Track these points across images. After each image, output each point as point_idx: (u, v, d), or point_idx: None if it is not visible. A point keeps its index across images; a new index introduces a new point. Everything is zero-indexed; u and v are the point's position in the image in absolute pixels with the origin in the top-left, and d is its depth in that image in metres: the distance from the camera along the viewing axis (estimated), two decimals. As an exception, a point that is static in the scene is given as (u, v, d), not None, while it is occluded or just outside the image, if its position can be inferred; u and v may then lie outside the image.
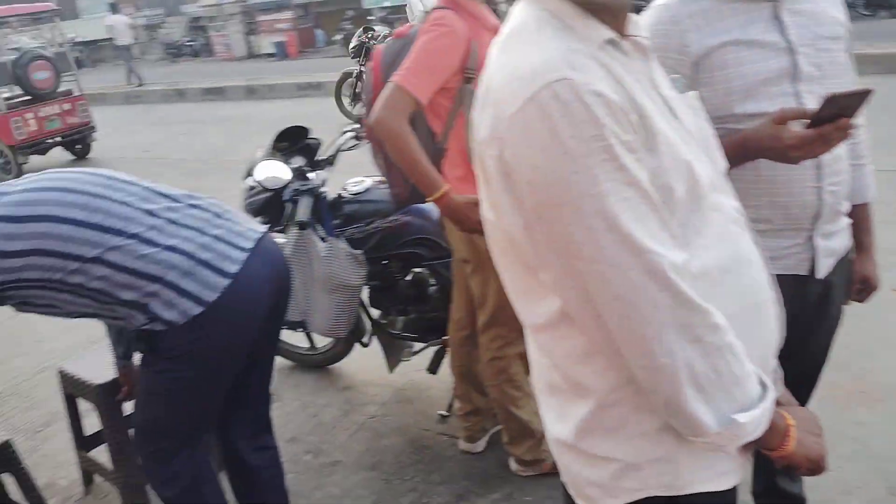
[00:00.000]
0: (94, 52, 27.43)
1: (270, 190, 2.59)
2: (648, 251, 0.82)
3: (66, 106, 8.94)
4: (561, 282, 0.89)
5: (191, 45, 25.30)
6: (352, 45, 8.88)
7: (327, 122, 7.17)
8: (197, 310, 1.68)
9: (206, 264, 1.71)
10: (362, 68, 10.58)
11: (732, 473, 0.98)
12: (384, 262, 2.78)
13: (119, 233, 1.67)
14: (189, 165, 7.75)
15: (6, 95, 8.91)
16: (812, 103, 1.41)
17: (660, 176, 0.86)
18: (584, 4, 0.91)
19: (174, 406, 1.83)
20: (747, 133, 1.38)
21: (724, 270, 0.92)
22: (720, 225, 0.95)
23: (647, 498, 0.96)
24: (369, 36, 8.55)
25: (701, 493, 0.95)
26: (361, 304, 2.82)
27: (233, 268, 1.73)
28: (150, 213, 1.73)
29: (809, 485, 1.93)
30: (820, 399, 1.78)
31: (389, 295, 2.88)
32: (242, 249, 1.78)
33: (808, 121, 1.30)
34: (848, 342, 1.98)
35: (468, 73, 2.02)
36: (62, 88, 9.22)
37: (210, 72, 16.89)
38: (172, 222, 1.74)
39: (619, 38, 0.92)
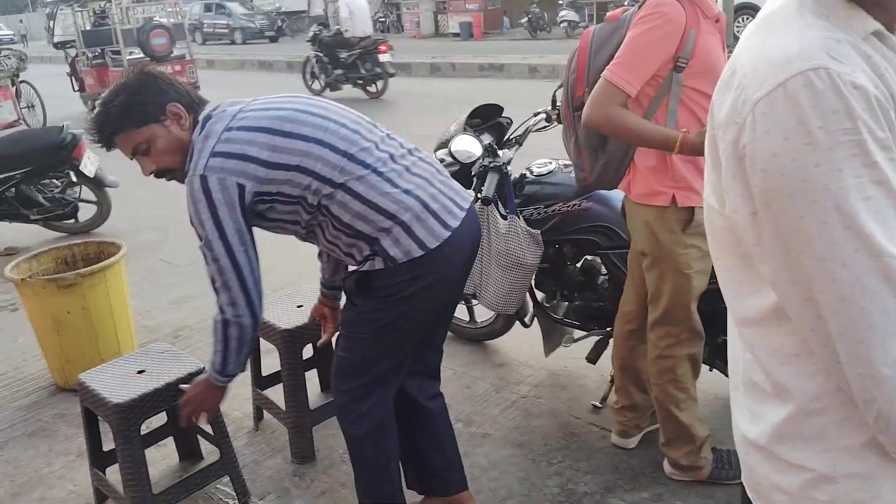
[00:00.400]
0: (294, 22, 29.39)
1: (461, 163, 2.69)
2: (888, 254, 0.78)
3: (177, 67, 11.35)
4: (782, 276, 0.86)
5: (383, 21, 26.45)
6: (308, 38, 10.72)
7: (507, 103, 7.20)
8: (418, 253, 1.81)
9: (434, 214, 1.84)
10: (319, 54, 11.47)
11: None
12: (557, 245, 2.80)
13: (366, 166, 1.82)
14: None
15: (130, 57, 11.35)
16: None
17: None
18: None
19: (378, 346, 1.96)
20: None
21: None
22: None
23: None
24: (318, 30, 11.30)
25: None
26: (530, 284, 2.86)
27: (454, 222, 1.87)
28: (392, 156, 1.88)
29: None
30: None
31: (557, 279, 2.90)
32: (461, 208, 1.92)
33: None
34: None
35: (680, 62, 1.97)
36: (176, 53, 11.74)
37: (397, 47, 17.59)
38: (407, 169, 1.89)
39: (886, 30, 0.88)
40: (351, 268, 1.95)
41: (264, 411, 2.92)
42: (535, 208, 2.74)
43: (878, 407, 0.82)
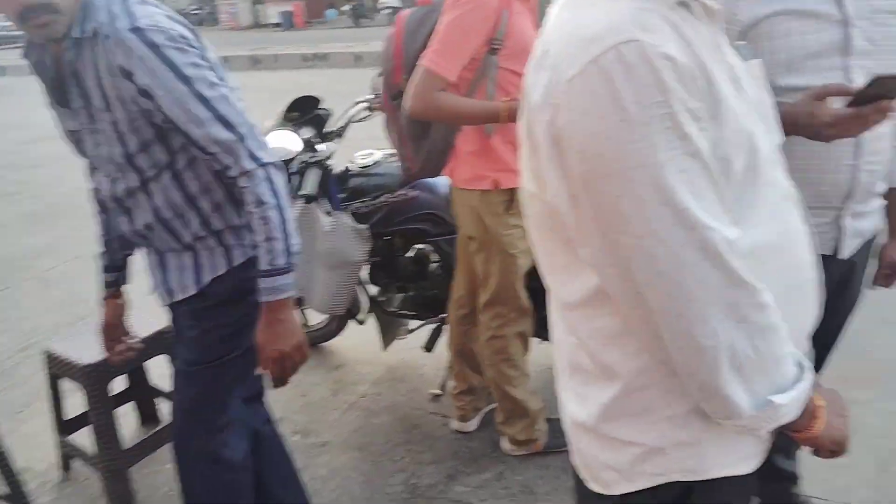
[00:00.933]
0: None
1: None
2: (704, 226, 0.79)
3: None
4: (601, 258, 0.85)
5: (196, 14, 25.09)
6: None
7: (332, 94, 7.06)
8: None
9: None
10: None
11: (755, 457, 0.96)
12: (387, 237, 2.75)
13: None
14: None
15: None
16: (861, 79, 1.36)
17: (720, 146, 0.82)
18: None
19: (246, 358, 1.66)
20: (785, 108, 1.31)
21: (772, 248, 0.89)
22: (773, 201, 0.91)
23: (665, 483, 0.94)
24: None
25: (722, 478, 0.93)
26: (360, 280, 2.79)
27: None
28: None
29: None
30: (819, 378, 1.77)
31: (390, 271, 2.85)
32: None
33: (849, 98, 1.26)
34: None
35: (494, 44, 1.97)
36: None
37: (214, 40, 16.68)
38: None
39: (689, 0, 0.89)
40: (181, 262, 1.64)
41: (71, 459, 2.58)
42: (362, 202, 2.67)
43: (700, 378, 0.84)
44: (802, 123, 1.31)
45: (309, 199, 2.47)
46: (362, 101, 2.80)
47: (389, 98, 2.21)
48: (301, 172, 2.57)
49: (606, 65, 0.78)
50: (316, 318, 3.28)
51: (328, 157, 2.65)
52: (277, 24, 21.46)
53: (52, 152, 6.65)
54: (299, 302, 2.72)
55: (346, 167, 2.78)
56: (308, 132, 2.76)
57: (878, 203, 1.57)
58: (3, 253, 4.93)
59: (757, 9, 1.41)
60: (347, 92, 3.43)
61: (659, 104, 0.77)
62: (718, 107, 0.82)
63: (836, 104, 1.28)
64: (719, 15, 0.94)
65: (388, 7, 18.61)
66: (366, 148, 2.87)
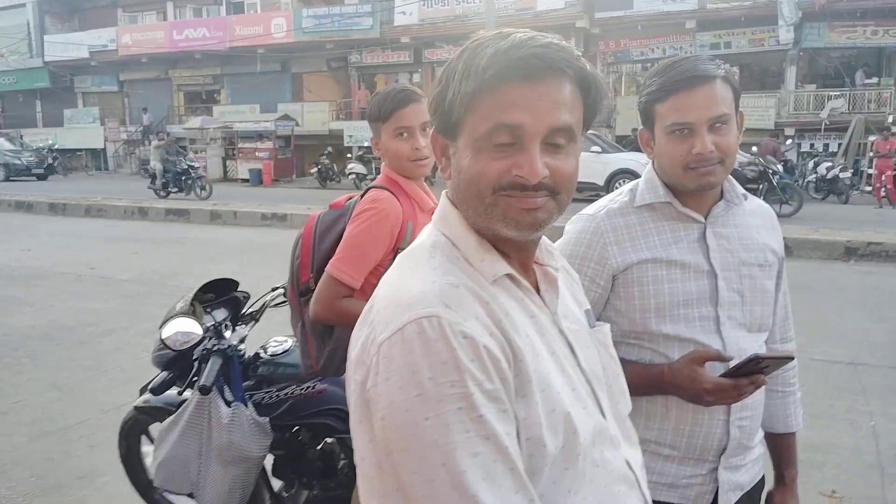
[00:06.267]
0: (68, 160, 27.79)
1: (177, 350, 2.45)
2: None
3: None
4: None
5: (167, 164, 25.79)
6: None
7: (285, 254, 7.11)
8: None
9: None
10: None
11: None
12: (294, 429, 2.62)
13: None
14: (131, 287, 7.53)
15: None
16: (731, 329, 1.41)
17: (529, 427, 0.81)
18: (488, 238, 0.90)
19: None
20: (664, 369, 1.36)
21: None
22: (603, 483, 0.88)
23: None
24: None
25: None
26: (263, 473, 2.62)
27: None
28: None
29: None
30: None
31: (295, 466, 2.68)
32: None
33: (720, 362, 1.32)
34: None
35: (399, 252, 1.99)
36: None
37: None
38: None
39: (518, 273, 0.91)
40: None
41: None
42: (267, 392, 2.56)
43: None
44: (682, 386, 1.33)
45: (204, 391, 2.35)
46: (279, 287, 2.77)
47: (296, 295, 2.19)
48: (203, 360, 2.47)
49: (408, 336, 0.79)
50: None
51: (236, 345, 2.56)
52: (246, 180, 22.08)
53: None
54: (191, 498, 2.52)
55: (257, 353, 2.69)
56: (222, 314, 2.70)
57: (758, 452, 1.54)
58: None
59: (626, 256, 1.44)
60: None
61: (453, 383, 0.76)
62: (527, 386, 0.81)
63: (709, 372, 1.32)
64: (566, 279, 0.95)
65: (353, 173, 19.45)
66: (283, 334, 2.80)
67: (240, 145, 23.00)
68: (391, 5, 22.73)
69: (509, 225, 0.87)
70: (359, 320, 0.91)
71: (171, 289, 7.23)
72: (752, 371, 1.28)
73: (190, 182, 17.10)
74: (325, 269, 2.00)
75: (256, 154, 22.55)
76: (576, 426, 0.84)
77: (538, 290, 0.96)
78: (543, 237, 1.00)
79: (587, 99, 0.90)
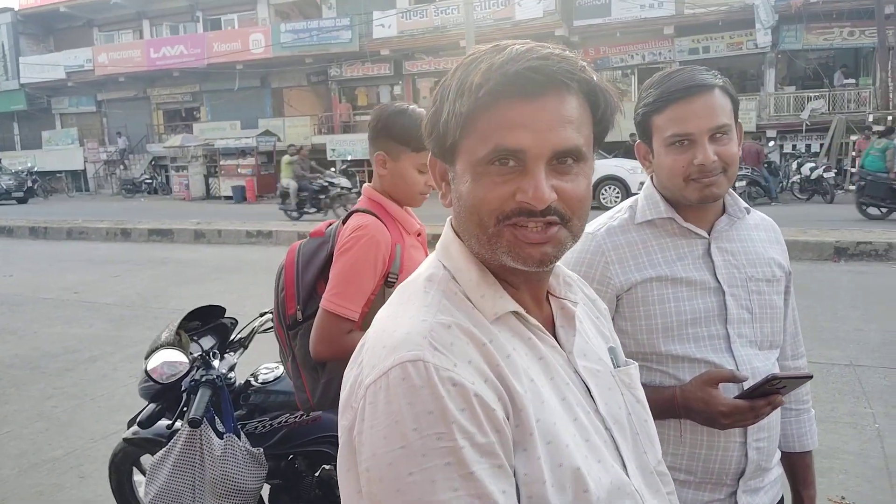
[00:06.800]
0: (48, 182, 27.48)
1: (163, 384, 2.35)
2: None
3: None
4: None
5: (150, 183, 25.59)
6: None
7: (272, 272, 7.00)
8: None
9: None
10: None
11: None
12: (290, 457, 2.52)
13: None
14: (115, 311, 7.36)
15: None
16: (741, 347, 1.36)
17: (530, 485, 0.73)
18: (493, 269, 0.83)
19: None
20: (676, 392, 1.30)
21: None
22: None
23: None
24: None
25: None
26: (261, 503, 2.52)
27: None
28: None
29: None
30: None
31: (294, 494, 2.58)
32: None
33: (734, 382, 1.27)
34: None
35: (390, 278, 1.94)
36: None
37: (164, 210, 16.88)
38: None
39: (530, 307, 0.84)
40: None
41: None
42: (260, 420, 2.47)
43: None
44: (696, 409, 1.27)
45: (194, 424, 2.24)
46: (268, 312, 2.68)
47: (284, 329, 2.09)
48: (192, 391, 2.36)
49: (392, 382, 0.71)
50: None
51: (226, 374, 2.46)
52: (229, 198, 21.91)
53: None
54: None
55: (248, 380, 2.59)
56: (209, 342, 2.60)
57: (776, 473, 1.48)
58: None
59: (630, 274, 1.38)
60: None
61: (440, 436, 0.68)
62: (528, 439, 0.73)
63: (724, 393, 1.27)
64: (584, 313, 0.88)
65: (339, 187, 19.30)
66: (273, 360, 2.70)
67: (222, 162, 22.79)
68: (369, 18, 22.72)
69: (515, 259, 0.79)
70: (350, 359, 0.83)
71: (156, 311, 7.10)
72: (769, 391, 1.23)
73: (328, 201, 14.92)
74: (322, 305, 1.89)
75: (239, 171, 22.35)
76: (587, 483, 0.76)
77: (553, 326, 0.88)
78: (560, 266, 0.92)
79: (596, 113, 0.82)
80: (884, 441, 3.71)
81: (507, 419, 0.73)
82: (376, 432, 0.71)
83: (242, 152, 22.54)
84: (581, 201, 0.80)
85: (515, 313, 0.82)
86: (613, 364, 0.93)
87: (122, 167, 27.13)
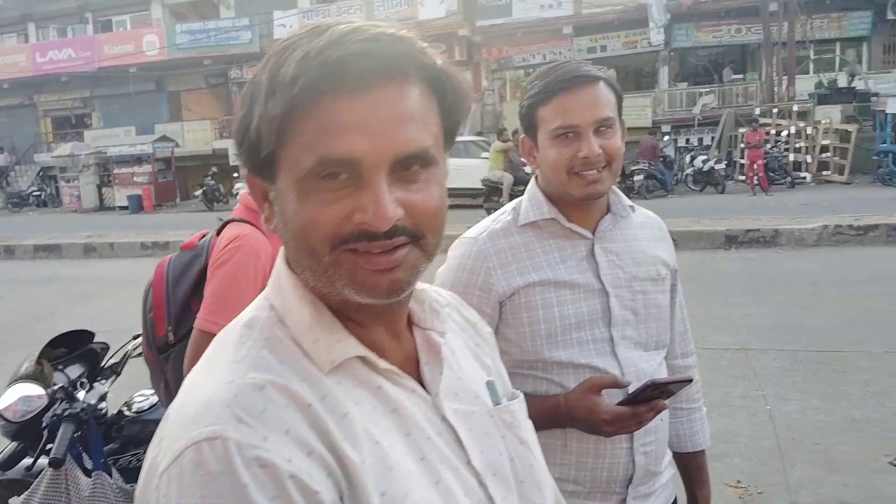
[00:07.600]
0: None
1: (18, 423, 2.12)
2: None
3: None
4: None
5: (38, 195, 24.10)
6: None
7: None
8: None
9: None
10: None
11: None
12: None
13: None
14: (-5, 335, 6.84)
15: None
16: (626, 350, 1.33)
17: None
18: (334, 306, 0.69)
19: None
20: (559, 401, 1.27)
21: None
22: None
23: None
24: None
25: None
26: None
27: None
28: None
29: None
30: None
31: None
32: None
33: (618, 388, 1.26)
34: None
35: None
36: None
37: (53, 224, 15.86)
38: None
39: (384, 347, 0.71)
40: None
41: None
42: (134, 454, 2.28)
43: None
44: (579, 418, 1.24)
45: (58, 464, 2.04)
46: (139, 336, 2.48)
47: (153, 351, 1.92)
48: (53, 428, 2.15)
49: (185, 470, 0.57)
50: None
51: (95, 404, 2.26)
52: (125, 208, 20.87)
53: None
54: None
55: (121, 410, 2.40)
56: (77, 370, 2.38)
57: (667, 476, 1.46)
58: None
59: (512, 280, 1.34)
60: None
61: None
62: None
63: (607, 400, 1.25)
64: (444, 348, 0.76)
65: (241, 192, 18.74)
66: (149, 387, 2.51)
67: (116, 171, 21.65)
68: (270, 18, 22.17)
69: (359, 291, 0.66)
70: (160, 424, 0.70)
71: (41, 333, 6.55)
72: (651, 397, 1.21)
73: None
74: (196, 325, 1.73)
75: (134, 179, 21.30)
76: None
77: (418, 363, 0.75)
78: (426, 289, 0.79)
79: (444, 104, 0.68)
80: (775, 423, 3.86)
81: (341, 499, 0.60)
82: None
83: (138, 159, 21.49)
84: (434, 214, 0.67)
85: (361, 358, 0.69)
86: (493, 401, 0.81)
87: (4, 182, 25.39)
